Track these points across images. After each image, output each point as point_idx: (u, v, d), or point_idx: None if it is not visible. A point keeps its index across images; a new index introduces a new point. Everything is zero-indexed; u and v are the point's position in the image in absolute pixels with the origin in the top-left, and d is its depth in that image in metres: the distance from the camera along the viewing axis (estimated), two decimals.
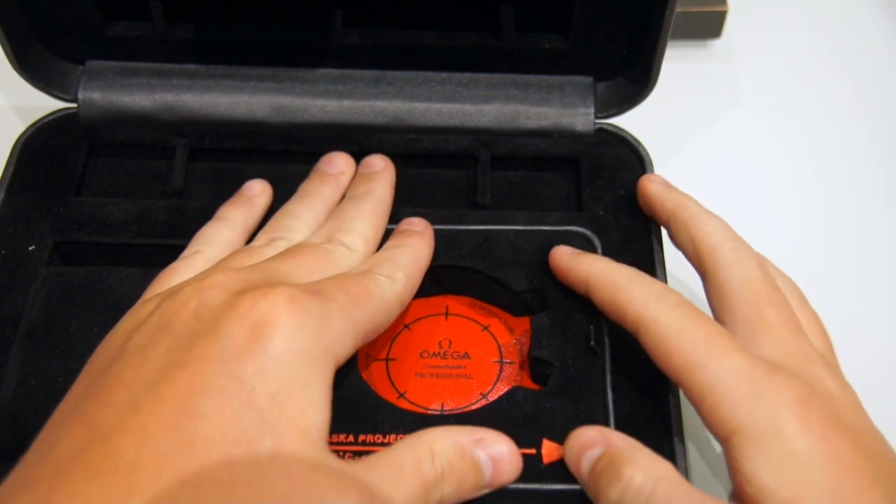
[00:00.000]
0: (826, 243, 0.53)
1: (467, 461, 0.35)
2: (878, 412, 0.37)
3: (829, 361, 0.38)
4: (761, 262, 0.40)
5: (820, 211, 0.55)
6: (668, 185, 0.44)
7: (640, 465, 0.35)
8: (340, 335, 0.35)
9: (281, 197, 0.48)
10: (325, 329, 0.34)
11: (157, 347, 0.33)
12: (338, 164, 0.46)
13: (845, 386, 0.37)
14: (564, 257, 0.42)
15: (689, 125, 0.57)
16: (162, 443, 0.29)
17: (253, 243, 0.42)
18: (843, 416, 0.35)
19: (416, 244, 0.42)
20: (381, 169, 0.46)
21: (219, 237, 0.42)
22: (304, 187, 0.45)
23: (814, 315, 0.41)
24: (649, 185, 0.44)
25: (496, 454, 0.36)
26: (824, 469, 0.33)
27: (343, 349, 0.35)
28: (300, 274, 0.38)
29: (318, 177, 0.46)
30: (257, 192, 0.45)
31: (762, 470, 0.33)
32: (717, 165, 0.56)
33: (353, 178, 0.46)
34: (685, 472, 0.38)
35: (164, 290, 0.37)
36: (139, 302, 0.38)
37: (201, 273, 0.38)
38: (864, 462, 0.33)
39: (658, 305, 0.38)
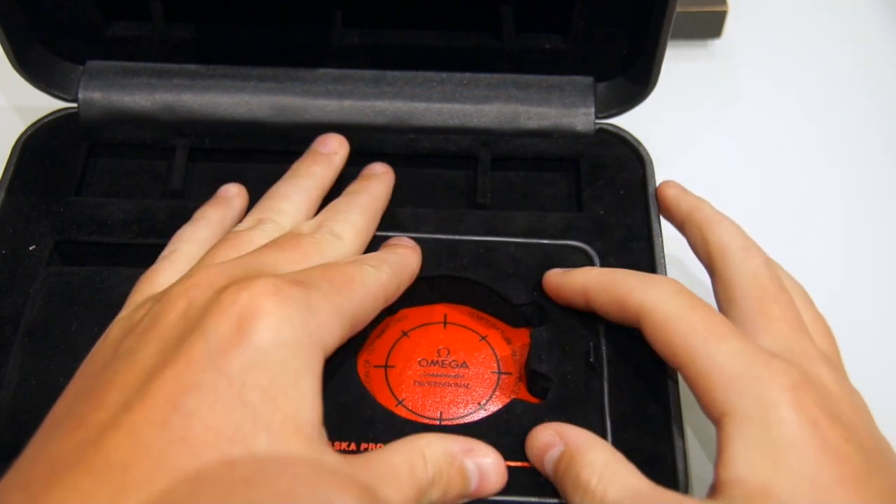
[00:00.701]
0: (826, 241, 0.53)
1: (456, 469, 0.35)
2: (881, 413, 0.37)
3: (833, 361, 0.38)
4: (769, 262, 0.40)
5: (820, 209, 0.54)
6: (683, 190, 0.45)
7: (595, 467, 0.35)
8: (327, 324, 0.34)
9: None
10: (311, 318, 0.34)
11: (146, 350, 0.33)
12: (331, 144, 0.46)
13: (847, 385, 0.37)
14: (557, 277, 0.42)
15: (689, 125, 0.57)
16: (155, 440, 0.29)
17: (240, 225, 0.42)
18: (838, 410, 0.35)
19: (408, 254, 0.42)
20: (380, 173, 0.45)
21: (196, 234, 0.42)
22: (295, 167, 0.45)
23: (819, 317, 0.41)
24: (666, 190, 0.45)
25: (484, 465, 0.36)
26: (807, 457, 0.33)
27: (331, 339, 0.35)
28: (285, 265, 0.37)
29: (310, 156, 0.45)
30: (233, 193, 0.45)
31: (740, 454, 0.33)
32: (718, 165, 0.56)
33: (346, 159, 0.46)
34: (685, 487, 0.38)
35: (153, 292, 0.37)
36: (127, 306, 0.38)
37: (187, 272, 0.38)
38: (855, 454, 0.33)
39: (657, 292, 0.38)
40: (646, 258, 0.45)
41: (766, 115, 0.58)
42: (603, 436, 0.39)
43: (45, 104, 0.49)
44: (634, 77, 0.48)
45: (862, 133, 0.58)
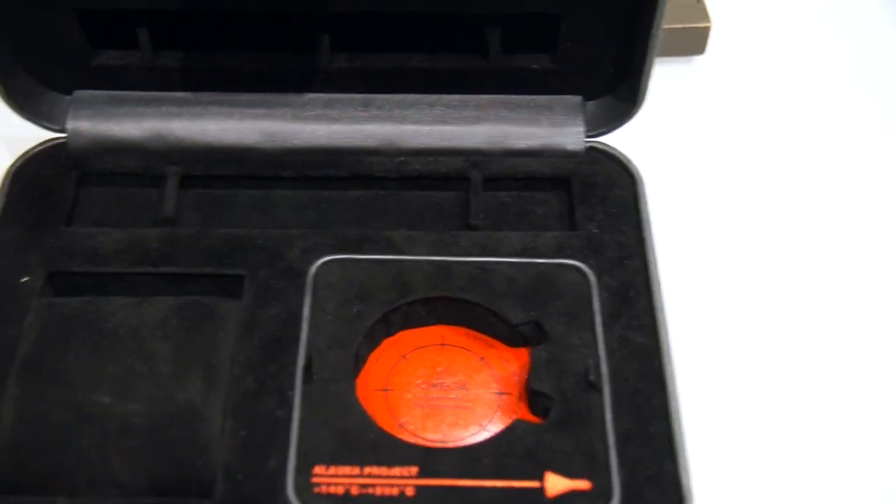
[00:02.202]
0: (817, 251, 0.53)
1: None
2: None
3: None
4: None
5: (809, 222, 0.54)
6: None
7: None
8: None
9: (271, 223, 0.48)
10: None
11: None
12: None
13: None
14: None
15: (675, 141, 0.57)
16: None
17: None
18: None
19: None
20: None
21: None
22: None
23: None
24: None
25: None
26: None
27: None
28: None
29: None
30: None
31: None
32: (706, 180, 0.56)
33: None
34: (685, 485, 0.38)
35: None
36: None
37: None
38: None
39: None
40: (641, 275, 0.45)
41: (751, 129, 0.58)
42: (605, 454, 0.39)
43: (30, 134, 0.48)
44: (623, 95, 0.48)
45: (850, 144, 0.58)
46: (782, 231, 0.54)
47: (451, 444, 0.40)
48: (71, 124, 0.48)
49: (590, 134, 0.48)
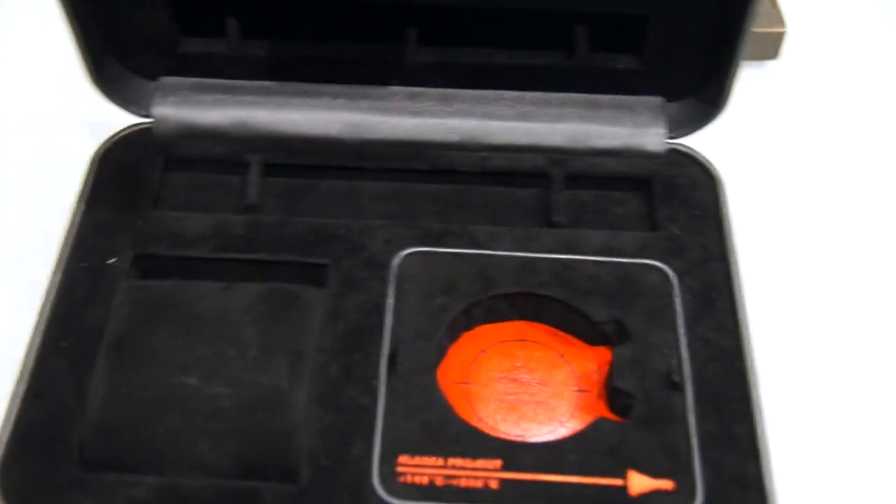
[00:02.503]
0: None
1: None
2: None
3: None
4: None
5: (889, 224, 0.54)
6: None
7: None
8: None
9: (353, 213, 0.48)
10: None
11: None
12: None
13: None
14: None
15: (752, 144, 0.57)
16: None
17: None
18: None
19: None
20: None
21: None
22: None
23: None
24: None
25: None
26: None
27: None
28: None
29: None
30: None
31: None
32: (785, 183, 0.56)
33: None
34: (769, 488, 0.38)
35: None
36: None
37: None
38: None
39: None
40: (722, 277, 0.45)
41: (825, 133, 0.58)
42: (689, 455, 0.39)
43: (115, 119, 0.49)
44: (705, 97, 0.48)
45: None
46: (862, 233, 0.54)
47: (530, 440, 0.41)
48: (156, 110, 0.49)
49: (671, 135, 0.49)
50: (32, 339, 0.42)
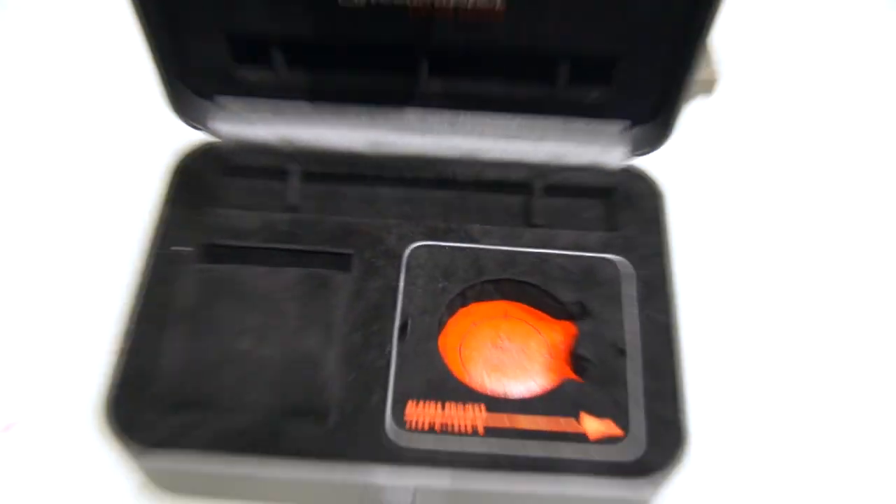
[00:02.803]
0: (800, 253, 0.58)
1: None
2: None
3: None
4: None
5: (794, 230, 0.59)
6: None
7: None
8: None
9: (373, 213, 0.52)
10: None
11: None
12: None
13: None
14: None
15: (688, 164, 0.61)
16: None
17: None
18: None
19: None
20: None
21: None
22: None
23: None
24: None
25: None
26: None
27: None
28: None
29: None
30: None
31: None
32: (715, 195, 0.61)
33: None
34: (686, 442, 0.43)
35: None
36: None
37: None
38: None
39: None
40: (663, 271, 0.49)
41: (749, 155, 0.63)
42: (628, 404, 0.44)
43: (185, 135, 0.52)
44: (659, 124, 0.51)
45: (828, 168, 0.63)
46: (774, 237, 0.59)
47: (511, 394, 0.45)
48: (217, 128, 0.52)
49: (631, 155, 0.52)
50: (126, 309, 0.46)
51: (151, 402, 0.44)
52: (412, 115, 0.53)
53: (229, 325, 0.46)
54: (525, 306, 0.49)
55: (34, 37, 0.70)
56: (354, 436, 0.43)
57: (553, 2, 0.45)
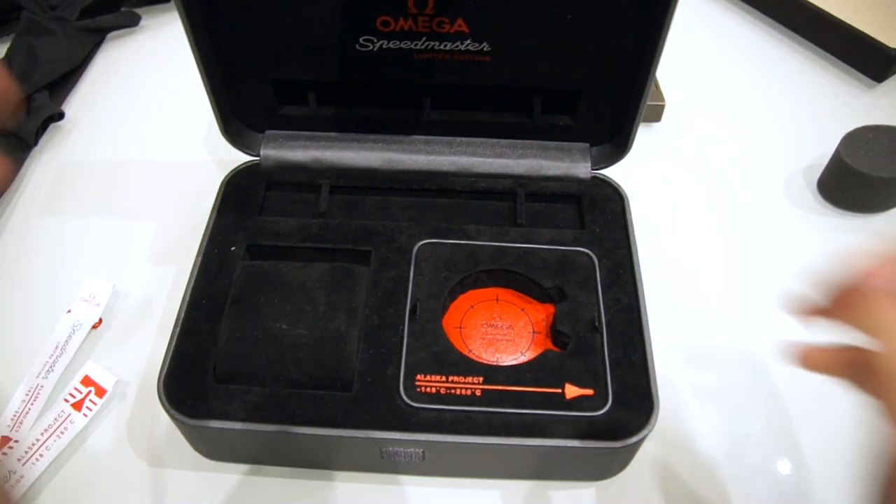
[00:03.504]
0: (723, 246, 0.52)
1: None
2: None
3: None
4: None
5: (720, 228, 0.53)
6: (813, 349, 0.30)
7: None
8: None
9: (388, 217, 0.47)
10: None
11: None
12: None
13: None
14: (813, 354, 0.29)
15: (643, 175, 0.56)
16: None
17: None
18: None
19: None
20: None
21: None
22: None
23: None
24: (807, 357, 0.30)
25: None
26: None
27: None
28: None
29: None
30: None
31: None
32: (664, 199, 0.55)
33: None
34: (657, 410, 0.37)
35: None
36: None
37: None
38: None
39: None
40: (627, 259, 0.44)
41: (690, 169, 0.57)
42: (604, 373, 0.38)
43: (235, 158, 0.48)
44: (616, 144, 0.47)
45: (753, 175, 0.57)
46: (712, 231, 0.53)
47: (503, 364, 0.40)
48: (263, 152, 0.48)
49: (594, 168, 0.47)
50: (183, 298, 0.41)
51: (202, 377, 0.39)
52: (418, 139, 0.48)
53: (269, 311, 0.40)
54: (513, 291, 0.44)
55: (138, 85, 0.64)
56: (374, 403, 0.38)
57: (529, 47, 0.41)
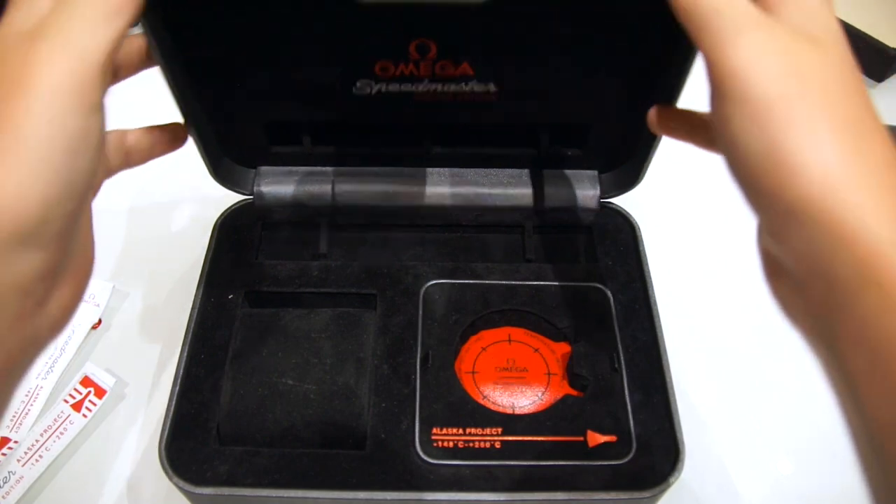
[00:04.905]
0: (740, 280, 0.49)
1: None
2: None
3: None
4: None
5: (736, 259, 0.51)
6: None
7: None
8: None
9: (390, 255, 0.46)
10: None
11: None
12: None
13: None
14: None
15: (655, 198, 0.54)
16: None
17: None
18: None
19: None
20: None
21: None
22: None
23: None
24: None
25: None
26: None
27: None
28: None
29: None
30: None
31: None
32: (682, 229, 0.54)
33: None
34: (683, 456, 0.36)
35: None
36: None
37: None
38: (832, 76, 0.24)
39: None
40: (642, 293, 0.43)
41: (698, 184, 0.56)
42: (626, 418, 0.38)
43: (228, 196, 0.46)
44: (624, 172, 0.45)
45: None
46: (725, 261, 0.52)
47: (518, 411, 0.39)
48: (256, 189, 0.46)
49: (604, 197, 0.46)
50: (181, 353, 0.40)
51: (205, 439, 0.37)
52: (421, 174, 0.47)
53: (273, 365, 0.39)
54: (526, 331, 0.43)
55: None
56: (389, 460, 0.37)
57: (537, 85, 0.40)
